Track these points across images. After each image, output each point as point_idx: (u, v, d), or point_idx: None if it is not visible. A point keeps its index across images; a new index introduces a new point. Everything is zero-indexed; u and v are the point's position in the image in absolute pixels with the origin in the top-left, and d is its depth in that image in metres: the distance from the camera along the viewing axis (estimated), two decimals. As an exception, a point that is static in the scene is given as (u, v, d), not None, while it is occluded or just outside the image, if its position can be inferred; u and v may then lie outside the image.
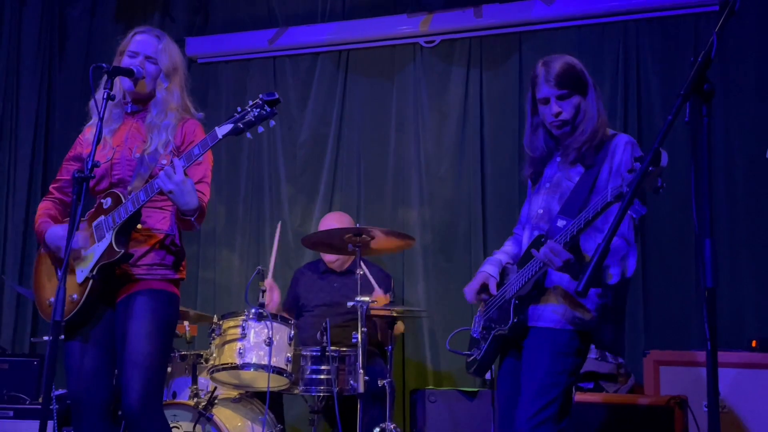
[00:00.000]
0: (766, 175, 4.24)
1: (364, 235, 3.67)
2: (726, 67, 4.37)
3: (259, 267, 3.75)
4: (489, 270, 2.73)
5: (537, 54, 4.66)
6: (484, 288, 2.70)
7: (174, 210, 2.67)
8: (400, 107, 5.05)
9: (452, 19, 4.89)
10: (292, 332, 3.53)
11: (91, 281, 2.58)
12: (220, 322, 3.54)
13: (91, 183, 2.70)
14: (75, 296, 2.61)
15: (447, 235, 4.85)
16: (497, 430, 2.67)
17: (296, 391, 3.63)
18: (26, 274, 5.27)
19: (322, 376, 3.57)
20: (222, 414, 3.46)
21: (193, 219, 2.58)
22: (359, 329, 3.49)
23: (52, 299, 2.45)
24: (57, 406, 3.75)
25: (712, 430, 1.69)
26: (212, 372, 3.46)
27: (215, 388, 3.54)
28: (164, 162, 2.64)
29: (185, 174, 2.49)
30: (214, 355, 3.49)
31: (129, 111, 2.78)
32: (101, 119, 2.52)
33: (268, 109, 2.49)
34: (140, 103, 2.78)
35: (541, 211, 2.59)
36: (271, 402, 3.44)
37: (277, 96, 2.50)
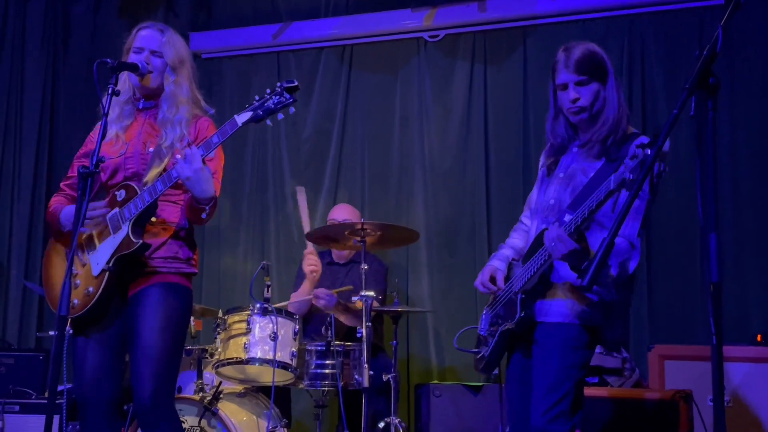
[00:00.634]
0: (772, 169, 4.24)
1: (367, 230, 3.67)
2: (731, 61, 4.35)
3: (264, 262, 3.75)
4: (496, 264, 2.74)
5: (541, 48, 4.67)
6: (492, 280, 2.71)
7: (185, 203, 2.67)
8: (404, 102, 5.05)
9: (456, 13, 4.88)
10: (297, 327, 3.54)
11: (107, 273, 2.58)
12: (225, 317, 3.54)
13: (105, 177, 2.71)
14: (91, 289, 2.59)
15: (451, 229, 4.85)
16: (507, 425, 2.67)
17: (301, 386, 3.64)
18: (32, 269, 5.29)
19: (327, 371, 3.58)
20: (227, 408, 3.47)
21: (207, 208, 2.58)
22: (364, 324, 3.50)
23: None
24: (62, 401, 3.75)
25: (717, 424, 1.69)
26: (217, 367, 3.47)
27: (220, 383, 3.55)
28: (178, 156, 2.64)
29: (203, 162, 2.50)
30: (219, 349, 3.50)
31: (140, 107, 2.78)
32: (106, 114, 2.52)
33: (288, 96, 2.49)
34: (151, 99, 2.78)
35: (553, 201, 2.58)
36: (277, 396, 3.45)
37: (296, 83, 2.51)
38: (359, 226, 3.66)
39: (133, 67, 2.66)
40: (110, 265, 2.57)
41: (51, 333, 4.29)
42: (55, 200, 2.81)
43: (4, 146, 5.30)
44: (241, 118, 2.51)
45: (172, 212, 2.72)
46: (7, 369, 4.33)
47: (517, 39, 4.85)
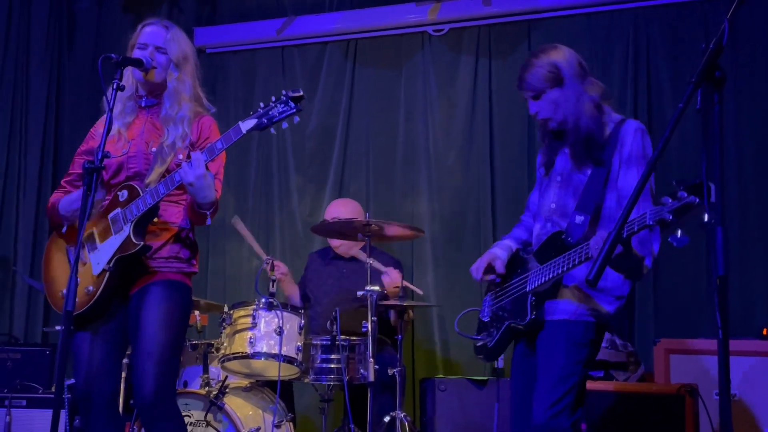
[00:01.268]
0: (778, 163, 4.22)
1: (373, 226, 3.67)
2: (737, 54, 4.34)
3: (269, 257, 3.76)
4: (496, 251, 2.73)
5: (546, 42, 4.64)
6: (490, 268, 2.69)
7: (187, 204, 2.68)
8: (409, 96, 5.04)
9: (461, 7, 4.87)
10: (303, 321, 3.54)
11: (107, 273, 2.58)
12: (231, 312, 3.55)
13: (107, 176, 2.71)
14: (91, 288, 2.60)
15: (456, 224, 4.85)
16: (511, 418, 2.67)
17: (307, 380, 3.65)
18: (37, 266, 5.29)
19: (332, 365, 3.59)
20: (233, 402, 3.48)
21: (209, 213, 2.59)
22: (369, 318, 3.50)
23: (65, 291, 2.46)
24: (69, 396, 3.77)
25: (723, 418, 1.69)
26: (223, 361, 3.48)
27: (226, 377, 3.55)
28: (180, 157, 2.64)
29: (206, 168, 2.50)
30: (224, 344, 3.51)
31: (143, 105, 2.78)
32: (110, 110, 2.52)
33: (293, 106, 2.50)
34: (154, 96, 2.78)
35: (554, 205, 2.58)
36: (282, 391, 3.46)
37: (302, 93, 2.50)
38: (364, 224, 3.66)
39: (137, 62, 2.66)
40: (111, 265, 2.58)
41: (57, 328, 4.32)
42: (56, 196, 2.82)
43: (10, 143, 5.30)
44: (246, 125, 2.51)
45: (174, 213, 2.72)
46: (13, 364, 4.35)
47: (521, 33, 4.84)
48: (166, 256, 2.68)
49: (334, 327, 3.58)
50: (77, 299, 2.54)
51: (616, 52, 4.62)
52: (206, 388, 3.55)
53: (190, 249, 2.74)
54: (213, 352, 3.64)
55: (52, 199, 2.80)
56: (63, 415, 3.78)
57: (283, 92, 2.51)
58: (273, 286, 3.63)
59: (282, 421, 3.54)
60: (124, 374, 3.50)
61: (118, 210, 2.61)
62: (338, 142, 5.12)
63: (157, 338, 2.57)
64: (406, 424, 3.62)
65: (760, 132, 4.30)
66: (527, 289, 2.55)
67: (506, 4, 4.78)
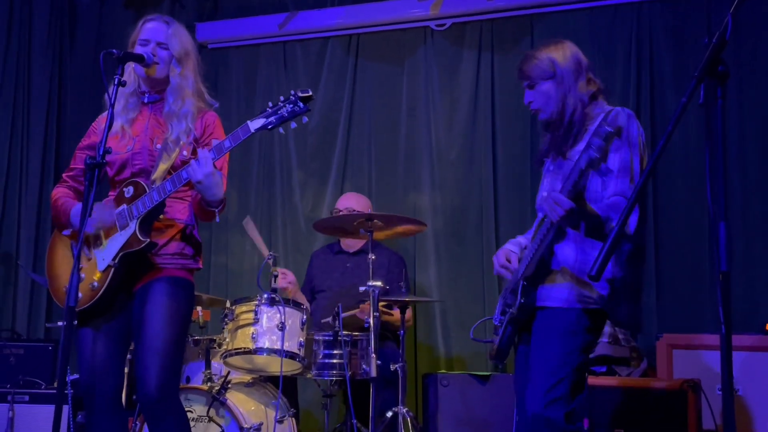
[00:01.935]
0: (781, 157, 4.21)
1: (375, 221, 3.67)
2: (740, 49, 4.32)
3: (271, 252, 3.76)
4: (510, 246, 2.77)
5: (549, 37, 4.60)
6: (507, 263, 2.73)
7: (193, 201, 2.68)
8: (411, 91, 5.03)
9: (463, 1, 4.86)
10: (305, 317, 3.54)
11: (112, 270, 2.58)
12: (233, 307, 3.55)
13: (111, 173, 2.71)
14: (95, 284, 2.60)
15: (458, 219, 4.85)
16: (515, 413, 2.67)
17: (309, 376, 3.65)
18: (40, 261, 5.30)
19: (334, 361, 3.59)
20: (235, 398, 3.48)
21: (217, 210, 2.59)
22: (371, 314, 3.50)
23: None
24: (72, 391, 3.78)
25: (725, 413, 1.69)
26: (225, 357, 3.48)
27: (228, 373, 3.56)
28: (185, 153, 2.64)
29: (214, 166, 2.50)
30: (227, 339, 3.51)
31: (146, 101, 2.77)
32: (112, 105, 2.52)
33: (302, 106, 2.50)
34: (156, 92, 2.77)
35: (545, 194, 2.59)
36: (285, 386, 3.46)
37: (310, 93, 2.50)
38: (366, 218, 3.66)
39: (138, 58, 2.66)
40: (116, 261, 2.58)
41: (60, 324, 4.33)
42: (60, 192, 2.81)
43: (12, 139, 5.30)
44: (254, 124, 2.51)
45: (179, 209, 2.72)
46: (16, 359, 4.36)
47: (524, 27, 4.82)
48: (171, 252, 2.68)
49: (337, 322, 3.58)
50: (82, 295, 2.56)
51: (618, 47, 4.60)
52: (208, 384, 3.55)
53: (195, 246, 2.75)
54: (215, 348, 3.64)
55: (57, 196, 2.79)
56: (66, 410, 3.78)
57: (292, 92, 2.51)
58: (275, 282, 3.63)
59: (284, 416, 3.55)
60: (126, 369, 3.50)
61: (124, 206, 2.61)
62: (340, 137, 5.12)
63: (162, 335, 2.58)
64: (409, 419, 3.62)
65: (764, 127, 4.29)
66: (518, 275, 2.59)
67: (509, -2, 4.77)
